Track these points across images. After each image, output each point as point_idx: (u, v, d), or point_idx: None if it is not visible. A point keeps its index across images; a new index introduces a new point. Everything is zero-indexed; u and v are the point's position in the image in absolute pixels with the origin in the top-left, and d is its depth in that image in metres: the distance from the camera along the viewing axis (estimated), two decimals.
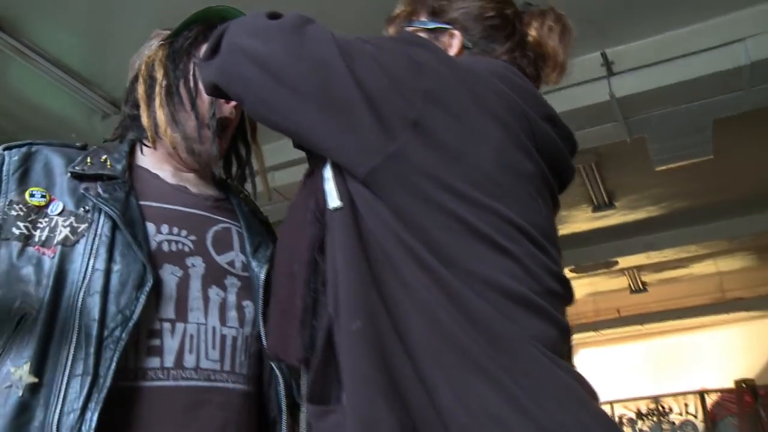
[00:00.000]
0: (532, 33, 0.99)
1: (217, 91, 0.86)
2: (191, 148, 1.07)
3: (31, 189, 0.96)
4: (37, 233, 0.92)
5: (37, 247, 0.91)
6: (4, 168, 0.97)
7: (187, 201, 1.06)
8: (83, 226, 0.93)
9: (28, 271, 0.90)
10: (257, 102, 0.79)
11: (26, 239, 0.92)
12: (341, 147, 0.76)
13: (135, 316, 0.87)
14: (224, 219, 1.09)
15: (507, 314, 0.71)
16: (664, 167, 3.80)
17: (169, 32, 1.12)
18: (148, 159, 1.10)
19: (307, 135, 0.78)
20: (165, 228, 1.00)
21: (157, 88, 1.06)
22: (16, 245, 0.91)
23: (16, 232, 0.92)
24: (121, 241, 0.93)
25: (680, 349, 7.60)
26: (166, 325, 0.93)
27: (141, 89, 1.07)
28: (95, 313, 0.87)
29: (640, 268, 5.98)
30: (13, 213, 0.93)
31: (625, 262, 5.57)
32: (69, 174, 0.98)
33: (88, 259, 0.91)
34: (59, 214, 0.94)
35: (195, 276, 0.98)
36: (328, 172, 0.80)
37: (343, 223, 0.75)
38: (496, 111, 0.80)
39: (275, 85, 0.76)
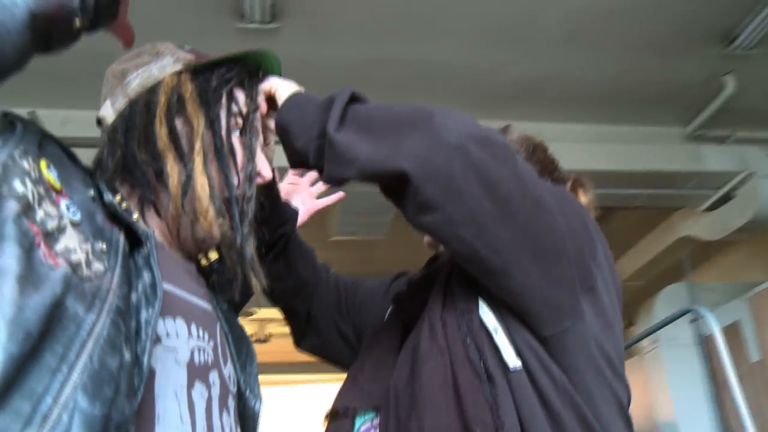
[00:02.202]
0: (583, 199, 0.97)
1: (392, 181, 0.71)
2: (225, 234, 0.77)
3: (48, 161, 0.61)
4: (40, 211, 0.56)
5: (35, 228, 0.54)
6: (17, 130, 0.61)
7: (198, 290, 0.80)
8: (98, 269, 0.59)
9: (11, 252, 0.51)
10: (464, 220, 0.68)
11: (27, 207, 0.55)
12: (540, 300, 0.71)
13: None
14: (217, 315, 0.84)
15: None
16: (339, 238, 4.15)
17: (188, 55, 0.83)
18: (144, 222, 0.77)
19: (509, 277, 0.70)
20: (194, 329, 0.73)
21: (198, 144, 0.75)
22: (12, 207, 0.53)
23: (19, 189, 0.55)
24: (130, 323, 0.60)
25: None
26: None
27: (163, 134, 0.75)
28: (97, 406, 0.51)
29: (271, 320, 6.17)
30: (25, 165, 0.58)
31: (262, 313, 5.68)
32: (90, 195, 0.65)
33: (96, 319, 0.55)
34: (74, 226, 0.59)
35: (215, 397, 0.75)
36: (490, 320, 0.73)
37: (523, 385, 0.70)
38: (616, 281, 0.83)
39: (498, 213, 0.68)
